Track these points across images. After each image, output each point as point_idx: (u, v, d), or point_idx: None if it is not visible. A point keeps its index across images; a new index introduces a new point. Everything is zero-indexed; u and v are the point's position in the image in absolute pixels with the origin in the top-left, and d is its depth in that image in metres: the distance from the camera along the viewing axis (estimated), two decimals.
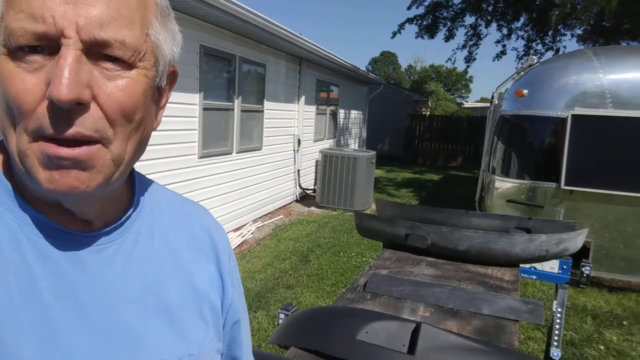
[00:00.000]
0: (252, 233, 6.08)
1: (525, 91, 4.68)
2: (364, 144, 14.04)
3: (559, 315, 2.49)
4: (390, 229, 2.10)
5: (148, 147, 0.56)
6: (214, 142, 5.45)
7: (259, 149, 6.69)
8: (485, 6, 11.67)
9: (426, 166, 15.52)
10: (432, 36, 12.08)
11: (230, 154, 5.88)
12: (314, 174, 8.86)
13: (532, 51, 11.73)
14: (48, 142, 0.44)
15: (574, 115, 4.33)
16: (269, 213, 7.17)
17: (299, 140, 7.98)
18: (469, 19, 12.10)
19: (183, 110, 4.79)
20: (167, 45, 0.52)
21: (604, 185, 4.24)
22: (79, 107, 0.44)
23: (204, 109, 5.14)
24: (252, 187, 6.50)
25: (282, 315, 1.48)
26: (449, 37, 12.13)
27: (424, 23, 11.93)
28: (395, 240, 2.11)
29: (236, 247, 5.51)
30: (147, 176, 0.66)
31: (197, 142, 5.09)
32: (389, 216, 2.37)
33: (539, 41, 11.89)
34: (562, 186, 4.35)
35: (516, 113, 4.83)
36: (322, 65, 8.87)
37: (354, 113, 12.51)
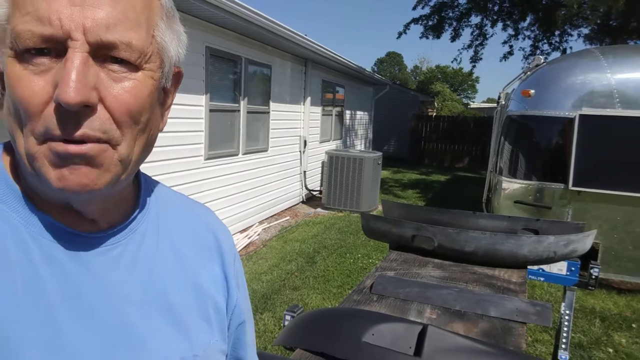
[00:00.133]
0: (258, 234, 6.09)
1: (532, 91, 4.65)
2: (370, 145, 14.03)
3: (567, 317, 2.47)
4: (396, 230, 2.09)
5: (155, 149, 0.56)
6: (220, 143, 5.47)
7: (265, 150, 6.70)
8: (491, 6, 11.62)
9: (432, 167, 15.47)
10: (438, 36, 12.04)
11: (237, 155, 5.89)
12: (320, 175, 8.87)
13: (538, 51, 11.66)
14: (56, 142, 0.44)
15: (581, 115, 4.30)
16: (275, 214, 7.18)
17: (305, 142, 7.99)
18: (475, 19, 12.03)
19: (189, 112, 4.81)
20: (173, 46, 0.53)
21: (613, 186, 4.20)
22: (86, 109, 0.44)
23: (210, 110, 5.16)
24: (258, 188, 6.51)
25: (288, 317, 1.48)
26: (454, 37, 12.09)
27: (430, 23, 11.90)
28: (401, 241, 2.10)
29: (242, 248, 5.52)
30: (154, 177, 0.66)
31: (203, 143, 5.11)
32: (395, 217, 2.36)
33: (545, 41, 11.83)
34: (570, 187, 4.32)
35: (523, 113, 4.80)
36: (327, 66, 8.87)
37: (360, 114, 12.50)
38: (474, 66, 12.60)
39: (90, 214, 0.52)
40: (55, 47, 0.43)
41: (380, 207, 7.83)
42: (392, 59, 52.24)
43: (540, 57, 5.32)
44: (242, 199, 6.07)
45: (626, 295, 4.37)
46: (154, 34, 0.49)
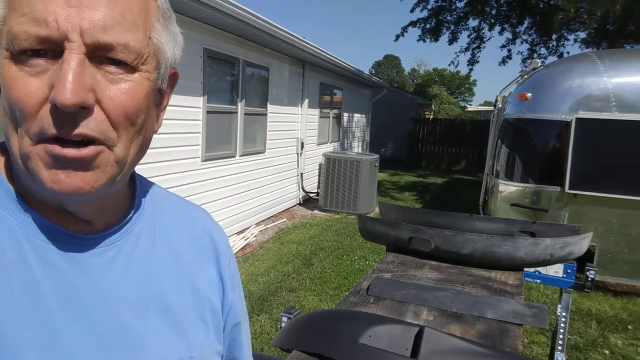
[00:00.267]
0: (255, 236, 6.08)
1: (529, 95, 4.67)
2: (368, 147, 14.04)
3: (563, 319, 2.48)
4: (393, 233, 2.09)
5: (151, 150, 0.56)
6: (217, 145, 5.46)
7: (263, 152, 6.70)
8: (488, 9, 11.66)
9: (430, 170, 15.50)
10: (435, 39, 12.08)
11: (234, 157, 5.89)
12: (317, 177, 8.87)
13: (536, 55, 11.72)
14: (52, 143, 0.44)
15: (578, 119, 4.32)
16: (272, 216, 7.17)
17: (302, 144, 7.99)
18: (473, 22, 12.07)
19: (186, 114, 4.81)
20: (169, 47, 0.53)
21: (609, 189, 4.22)
22: (82, 110, 0.44)
23: (208, 112, 5.16)
24: (255, 190, 6.51)
25: (284, 319, 1.48)
26: (452, 40, 12.13)
27: (427, 26, 11.93)
28: (398, 243, 2.10)
29: (239, 250, 5.51)
30: (150, 179, 0.66)
31: (200, 145, 5.10)
32: (392, 220, 2.36)
33: (542, 45, 11.88)
34: (567, 190, 4.33)
35: (520, 116, 4.82)
36: (325, 69, 8.89)
37: (358, 116, 12.51)
38: (471, 69, 12.65)
39: (85, 215, 0.52)
40: (51, 49, 0.43)
41: (377, 210, 7.83)
42: (390, 62, 52.34)
43: (538, 60, 5.34)
44: (239, 200, 6.07)
45: (622, 298, 4.39)
46: (150, 35, 0.49)
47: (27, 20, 0.43)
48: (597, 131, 4.30)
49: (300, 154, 8.00)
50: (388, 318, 1.33)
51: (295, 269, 4.86)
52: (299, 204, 8.29)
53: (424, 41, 12.17)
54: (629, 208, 4.21)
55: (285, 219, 7.13)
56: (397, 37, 12.10)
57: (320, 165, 8.41)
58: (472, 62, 12.34)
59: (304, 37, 6.66)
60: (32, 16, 0.42)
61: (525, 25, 11.74)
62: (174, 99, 4.22)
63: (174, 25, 0.54)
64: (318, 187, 8.57)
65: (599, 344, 3.51)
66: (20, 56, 0.44)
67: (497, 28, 11.89)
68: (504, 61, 12.18)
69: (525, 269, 2.04)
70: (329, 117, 9.74)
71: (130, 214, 0.58)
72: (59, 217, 0.50)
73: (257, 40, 5.98)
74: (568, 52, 12.95)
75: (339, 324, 1.26)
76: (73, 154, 0.44)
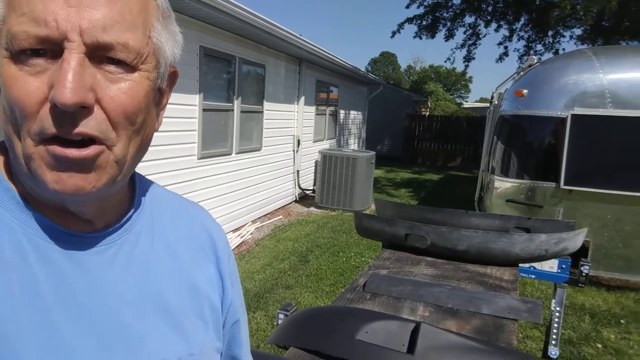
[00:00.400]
0: (251, 233, 6.08)
1: (525, 91, 4.69)
2: (364, 144, 14.05)
3: (557, 314, 2.50)
4: (389, 229, 2.10)
5: (148, 148, 0.56)
6: (213, 142, 5.45)
7: (259, 149, 6.70)
8: (485, 6, 11.67)
9: (425, 166, 15.52)
10: (432, 36, 12.09)
11: (230, 154, 5.88)
12: (313, 174, 8.87)
13: (532, 52, 11.75)
14: (53, 144, 0.44)
15: (573, 115, 4.34)
16: (268, 213, 7.17)
17: (299, 141, 7.98)
18: (469, 19, 12.08)
19: (183, 111, 4.79)
20: (169, 46, 0.53)
21: (603, 185, 4.24)
22: (82, 110, 0.44)
23: (204, 109, 5.15)
24: (251, 187, 6.51)
25: (281, 316, 1.48)
26: (448, 37, 12.14)
27: (424, 23, 11.93)
28: (394, 240, 2.11)
29: (235, 247, 5.52)
30: (147, 177, 0.67)
31: (196, 142, 5.09)
32: (388, 216, 2.37)
33: (538, 42, 11.90)
34: (562, 186, 4.36)
35: (516, 113, 4.83)
36: (321, 66, 8.87)
37: (354, 113, 12.51)
38: (467, 66, 12.66)
39: (86, 214, 0.52)
40: (51, 49, 0.43)
41: (373, 206, 7.85)
42: (386, 59, 52.30)
43: (534, 57, 5.36)
44: (235, 198, 6.06)
45: (615, 292, 4.42)
46: (150, 34, 0.49)
47: (26, 20, 0.43)
48: (593, 127, 4.32)
49: (297, 151, 8.00)
50: (384, 314, 1.34)
51: (291, 266, 4.87)
52: (295, 201, 8.29)
53: (420, 38, 12.16)
54: (624, 204, 4.24)
55: (281, 216, 7.14)
56: (394, 33, 12.10)
57: (316, 162, 8.41)
58: (468, 58, 12.37)
59: (300, 35, 6.65)
60: (32, 16, 0.43)
61: (521, 22, 11.77)
62: (170, 96, 4.21)
63: (173, 24, 0.54)
64: (314, 184, 8.57)
65: (592, 338, 3.54)
66: (19, 56, 0.44)
67: (494, 25, 11.92)
68: (501, 58, 12.21)
69: (520, 265, 2.06)
70: (325, 114, 9.74)
71: (130, 213, 0.58)
72: (59, 216, 0.51)
73: (254, 38, 5.96)
74: (564, 49, 12.99)
75: (336, 321, 1.27)
76: (74, 155, 0.44)
